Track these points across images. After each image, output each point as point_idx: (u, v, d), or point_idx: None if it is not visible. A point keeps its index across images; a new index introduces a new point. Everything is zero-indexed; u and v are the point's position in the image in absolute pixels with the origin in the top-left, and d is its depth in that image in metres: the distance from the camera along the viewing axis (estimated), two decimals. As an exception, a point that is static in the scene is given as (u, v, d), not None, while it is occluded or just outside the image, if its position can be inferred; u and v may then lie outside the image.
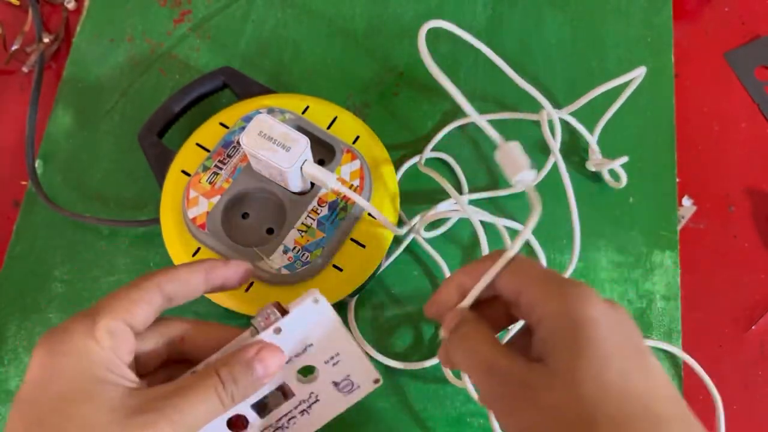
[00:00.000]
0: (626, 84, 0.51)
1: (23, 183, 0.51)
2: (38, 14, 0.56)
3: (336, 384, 0.32)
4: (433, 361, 0.46)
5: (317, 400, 0.32)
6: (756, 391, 0.47)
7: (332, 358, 0.31)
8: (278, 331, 0.29)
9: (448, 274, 0.48)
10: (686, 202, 0.51)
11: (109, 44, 0.55)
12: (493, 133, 0.36)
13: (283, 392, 0.31)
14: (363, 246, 0.43)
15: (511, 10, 0.56)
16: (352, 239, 0.43)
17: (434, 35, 0.55)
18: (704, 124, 0.54)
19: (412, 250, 0.49)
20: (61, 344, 0.25)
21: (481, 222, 0.47)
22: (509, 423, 0.27)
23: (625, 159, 0.48)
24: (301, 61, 0.54)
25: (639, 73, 0.50)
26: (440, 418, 0.45)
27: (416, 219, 0.48)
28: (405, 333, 0.47)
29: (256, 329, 0.29)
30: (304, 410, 0.32)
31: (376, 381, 0.32)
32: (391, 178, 0.45)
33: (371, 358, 0.45)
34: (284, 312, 0.30)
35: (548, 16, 0.56)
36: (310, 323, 0.30)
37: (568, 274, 0.48)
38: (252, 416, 0.31)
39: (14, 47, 0.55)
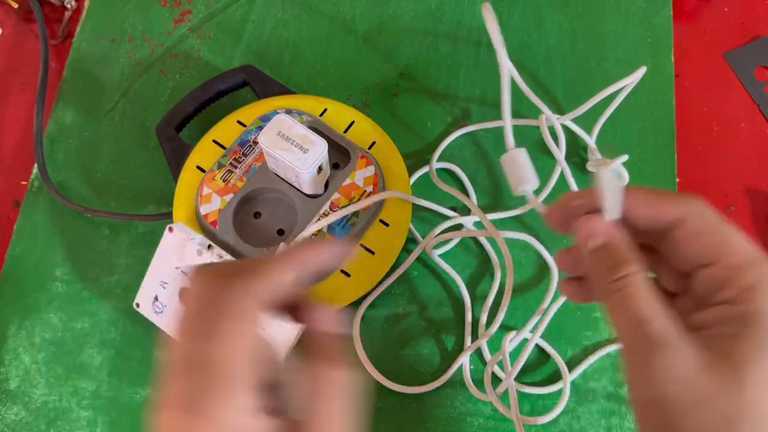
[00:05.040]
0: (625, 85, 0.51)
1: (23, 183, 0.51)
2: (40, 13, 0.55)
3: None
4: (433, 386, 0.45)
5: None
6: (756, 390, 0.47)
7: None
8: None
9: (461, 284, 0.47)
10: (686, 202, 0.51)
11: (109, 44, 0.55)
12: (509, 140, 0.34)
13: None
14: (372, 252, 0.43)
15: (511, 9, 0.56)
16: (361, 245, 0.43)
17: (434, 35, 0.55)
18: (704, 124, 0.54)
19: (422, 258, 0.48)
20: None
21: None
22: (636, 387, 0.24)
23: (625, 157, 0.48)
24: (301, 61, 0.54)
25: (639, 74, 0.50)
26: (440, 417, 0.45)
27: (429, 237, 0.47)
28: (415, 345, 0.47)
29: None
30: None
31: None
32: (405, 185, 0.45)
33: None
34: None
35: (548, 17, 0.56)
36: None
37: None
38: None
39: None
